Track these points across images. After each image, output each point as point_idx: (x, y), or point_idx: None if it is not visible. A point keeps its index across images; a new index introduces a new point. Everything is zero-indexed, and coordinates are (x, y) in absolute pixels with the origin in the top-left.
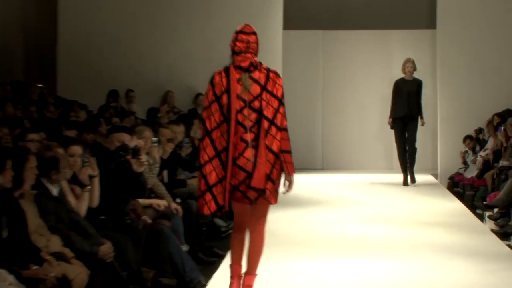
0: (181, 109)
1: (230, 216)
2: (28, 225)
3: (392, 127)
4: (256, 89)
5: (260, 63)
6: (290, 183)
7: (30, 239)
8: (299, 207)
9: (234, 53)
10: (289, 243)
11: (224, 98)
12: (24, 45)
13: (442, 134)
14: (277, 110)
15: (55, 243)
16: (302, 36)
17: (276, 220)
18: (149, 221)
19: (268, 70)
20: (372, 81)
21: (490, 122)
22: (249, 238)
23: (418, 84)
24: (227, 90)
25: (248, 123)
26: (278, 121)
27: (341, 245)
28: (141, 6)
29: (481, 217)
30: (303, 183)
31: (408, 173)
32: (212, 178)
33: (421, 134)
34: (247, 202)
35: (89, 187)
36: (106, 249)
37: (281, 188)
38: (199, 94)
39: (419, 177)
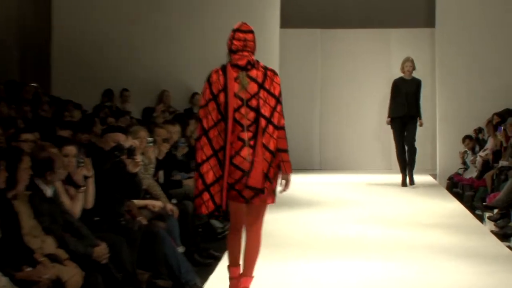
0: (177, 109)
1: (227, 217)
2: (22, 226)
3: (391, 127)
4: (253, 88)
5: (258, 61)
6: (287, 182)
7: (24, 240)
8: (296, 208)
9: (231, 51)
10: (286, 244)
11: (221, 97)
12: (19, 44)
13: (441, 134)
14: (274, 109)
15: (49, 245)
16: (299, 34)
17: (273, 221)
18: (145, 222)
19: (265, 68)
20: (371, 80)
21: (490, 122)
22: (245, 239)
23: (417, 83)
24: (224, 89)
25: (246, 122)
26: (275, 119)
27: (338, 246)
28: (136, 4)
29: (480, 218)
30: (300, 183)
31: (407, 174)
32: (210, 178)
33: (420, 134)
34: (242, 201)
35: (83, 188)
36: (101, 250)
37: (278, 187)
38: (195, 94)
39: (417, 178)
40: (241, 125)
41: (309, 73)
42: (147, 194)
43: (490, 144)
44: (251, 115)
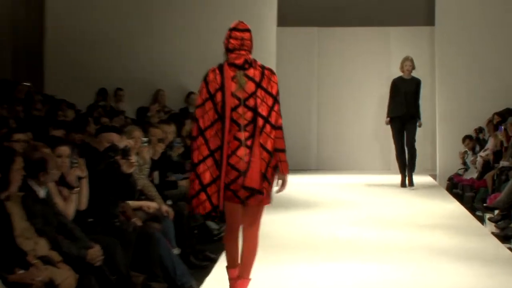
0: (172, 108)
1: (223, 219)
2: (14, 228)
3: (391, 127)
4: (251, 87)
5: (255, 60)
6: (284, 182)
7: (16, 242)
8: (293, 209)
9: (228, 50)
10: (282, 246)
11: (218, 96)
12: (11, 43)
13: (441, 134)
14: (271, 108)
15: (42, 247)
16: (297, 33)
17: (269, 222)
18: (139, 223)
19: (263, 67)
20: (369, 79)
21: (490, 121)
22: (242, 241)
23: (416, 83)
24: (222, 88)
25: (243, 122)
26: (272, 119)
27: (335, 248)
28: (131, 3)
29: (481, 219)
30: (297, 184)
31: (406, 174)
32: (206, 178)
33: (420, 135)
34: (238, 202)
35: (77, 189)
36: (95, 252)
37: (274, 188)
38: (190, 93)
39: (417, 178)
40: (238, 125)
41: (307, 71)
42: (142, 195)
43: (490, 144)
44: (249, 114)
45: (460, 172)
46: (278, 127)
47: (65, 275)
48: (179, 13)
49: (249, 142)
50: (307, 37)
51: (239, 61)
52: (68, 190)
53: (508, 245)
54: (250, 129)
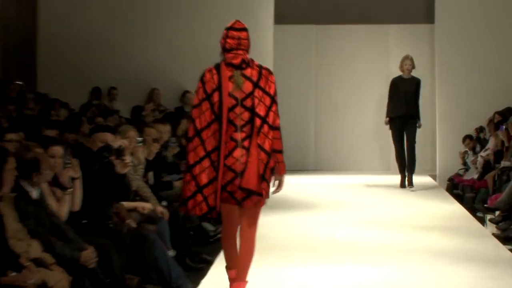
0: (167, 107)
1: (219, 220)
2: (6, 229)
3: (389, 128)
4: (248, 87)
5: (252, 60)
6: (280, 183)
7: (8, 244)
8: (290, 210)
9: (225, 50)
10: (280, 248)
11: (215, 96)
12: (3, 40)
13: (441, 134)
14: (269, 108)
15: (35, 249)
16: (294, 31)
17: (267, 223)
18: (134, 225)
19: (260, 67)
20: (368, 77)
21: (491, 121)
22: (239, 243)
23: (416, 83)
24: (219, 88)
25: (240, 122)
26: (270, 119)
27: (333, 250)
28: (125, 0)
29: (481, 221)
30: (295, 184)
31: (406, 175)
32: (203, 179)
33: (420, 135)
34: (234, 203)
35: (70, 190)
36: (88, 254)
37: (271, 188)
38: (186, 92)
39: (416, 179)
40: (235, 125)
41: (304, 70)
42: (137, 196)
43: (491, 143)
44: (246, 115)
45: (461, 172)
46: (276, 128)
47: (58, 278)
48: (174, 10)
49: (245, 143)
50: (305, 35)
51: (236, 61)
52: (61, 191)
53: (509, 247)
54: (247, 130)
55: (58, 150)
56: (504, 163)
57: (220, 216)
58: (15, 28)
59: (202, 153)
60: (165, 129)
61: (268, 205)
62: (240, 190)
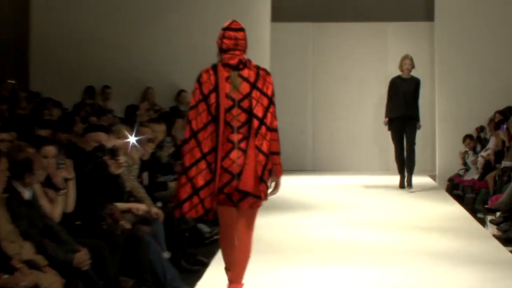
0: (162, 107)
1: (215, 222)
2: None
3: (388, 128)
4: (245, 88)
5: (249, 61)
6: (277, 185)
7: (1, 246)
8: (288, 211)
9: (222, 50)
10: (277, 250)
11: (212, 97)
12: None
13: (440, 134)
14: (267, 109)
15: (27, 250)
16: (291, 28)
17: (264, 225)
18: (128, 226)
19: (258, 67)
20: (366, 76)
21: (491, 120)
22: (235, 245)
23: (416, 83)
24: (216, 89)
25: (236, 123)
26: (268, 120)
27: (332, 251)
28: None
29: (482, 222)
30: (292, 185)
31: (405, 176)
32: (199, 181)
33: (419, 135)
34: (231, 205)
35: (64, 191)
36: (82, 256)
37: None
38: (181, 91)
39: (416, 179)
40: (231, 127)
41: (301, 68)
42: (131, 196)
43: (492, 143)
44: (243, 116)
45: (461, 172)
46: (273, 129)
47: (51, 280)
48: (169, 7)
49: (242, 145)
50: (302, 32)
51: (233, 62)
52: (54, 191)
53: (510, 248)
54: (244, 131)
55: (51, 150)
56: (505, 163)
57: (216, 218)
58: (7, 26)
59: (198, 155)
60: (160, 128)
61: (265, 206)
62: (238, 192)
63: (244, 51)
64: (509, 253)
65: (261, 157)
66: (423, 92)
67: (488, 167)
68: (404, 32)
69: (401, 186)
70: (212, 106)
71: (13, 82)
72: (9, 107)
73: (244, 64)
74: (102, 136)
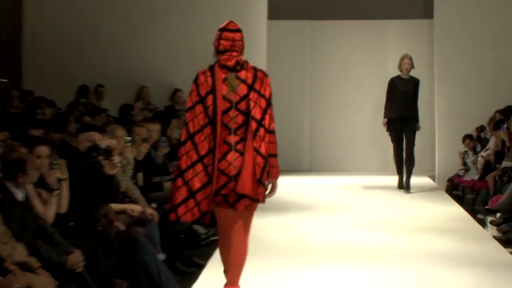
0: (157, 106)
1: (211, 223)
2: None
3: (387, 130)
4: (243, 90)
5: (247, 62)
6: (274, 187)
7: None
8: (284, 212)
9: (219, 52)
10: (274, 251)
11: (209, 99)
12: None
13: (440, 134)
14: (265, 111)
15: (20, 252)
16: (288, 26)
17: (260, 226)
18: (122, 227)
19: (255, 69)
20: (365, 75)
21: (492, 120)
22: (231, 246)
23: (415, 83)
24: (213, 91)
25: (233, 125)
26: (266, 122)
27: (330, 253)
28: None
29: (482, 223)
30: (289, 186)
31: (404, 176)
32: (195, 184)
33: (418, 135)
34: (227, 206)
35: (57, 191)
36: (76, 258)
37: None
38: (176, 90)
39: (415, 180)
40: (228, 128)
41: (298, 68)
42: (125, 197)
43: (492, 143)
44: (240, 118)
45: (460, 173)
46: (271, 131)
47: (44, 282)
48: (165, 5)
49: (239, 147)
50: (299, 31)
51: (230, 63)
52: (47, 192)
53: (510, 250)
54: (241, 133)
55: (44, 150)
56: (506, 164)
57: (212, 220)
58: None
59: (195, 157)
60: (155, 128)
61: (262, 207)
62: (236, 195)
63: (241, 52)
64: (510, 255)
65: (260, 159)
66: (422, 91)
67: (488, 167)
68: (403, 30)
69: (400, 186)
70: (209, 108)
71: (6, 80)
72: (1, 106)
73: (242, 65)
74: (96, 136)
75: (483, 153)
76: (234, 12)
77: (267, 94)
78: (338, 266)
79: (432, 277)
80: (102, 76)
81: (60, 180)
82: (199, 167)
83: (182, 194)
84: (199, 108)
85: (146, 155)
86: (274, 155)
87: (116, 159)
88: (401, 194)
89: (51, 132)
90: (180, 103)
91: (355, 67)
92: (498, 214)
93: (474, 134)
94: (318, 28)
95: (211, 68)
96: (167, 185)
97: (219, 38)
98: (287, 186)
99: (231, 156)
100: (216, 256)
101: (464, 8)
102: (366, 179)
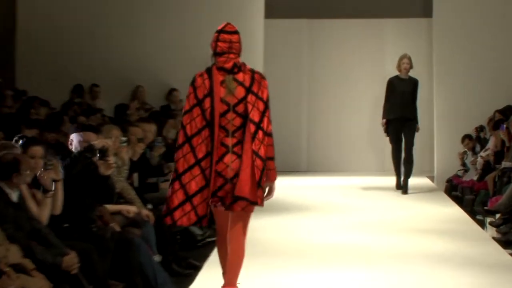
0: (152, 106)
1: (210, 225)
2: None
3: (385, 130)
4: (240, 92)
5: (244, 64)
6: (271, 189)
7: None
8: (282, 213)
9: (216, 54)
10: (271, 252)
11: (207, 102)
12: None
13: (439, 134)
14: (263, 114)
15: (14, 254)
16: (285, 25)
17: (257, 227)
18: (118, 229)
19: (252, 71)
20: (363, 75)
21: (491, 120)
22: (228, 247)
23: (414, 83)
24: (210, 93)
25: (231, 128)
26: (264, 125)
27: (327, 254)
28: None
29: (481, 224)
30: (287, 187)
31: (402, 177)
32: (192, 188)
33: (417, 134)
34: (224, 208)
35: (52, 192)
36: (71, 259)
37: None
38: (172, 90)
39: (414, 180)
40: (226, 131)
41: (296, 67)
42: (121, 198)
43: (491, 143)
44: (237, 120)
45: (460, 173)
46: (269, 134)
47: (39, 284)
48: (160, 3)
49: (236, 149)
50: (296, 29)
51: (228, 65)
52: (42, 193)
53: (510, 251)
54: (239, 135)
55: (38, 150)
56: (505, 164)
57: (210, 223)
58: None
59: (192, 160)
60: (151, 128)
61: (260, 208)
62: (232, 197)
63: (238, 54)
64: (509, 256)
65: (259, 162)
66: (421, 90)
67: (487, 167)
68: (402, 28)
69: (398, 187)
70: (206, 111)
71: (0, 80)
72: None
73: (239, 67)
74: (91, 136)
75: (482, 154)
76: (231, 11)
77: (264, 96)
78: (336, 267)
79: (431, 278)
80: (97, 76)
81: (54, 181)
82: (196, 171)
83: (178, 197)
84: (196, 110)
85: (141, 156)
86: (272, 158)
87: (111, 159)
88: (399, 195)
89: (46, 132)
90: (176, 103)
91: (353, 66)
92: (498, 215)
93: (474, 134)
94: (316, 27)
95: (209, 70)
96: (163, 186)
97: (217, 40)
98: (284, 186)
99: (228, 158)
100: (213, 257)
101: (463, 7)
102: (364, 179)
